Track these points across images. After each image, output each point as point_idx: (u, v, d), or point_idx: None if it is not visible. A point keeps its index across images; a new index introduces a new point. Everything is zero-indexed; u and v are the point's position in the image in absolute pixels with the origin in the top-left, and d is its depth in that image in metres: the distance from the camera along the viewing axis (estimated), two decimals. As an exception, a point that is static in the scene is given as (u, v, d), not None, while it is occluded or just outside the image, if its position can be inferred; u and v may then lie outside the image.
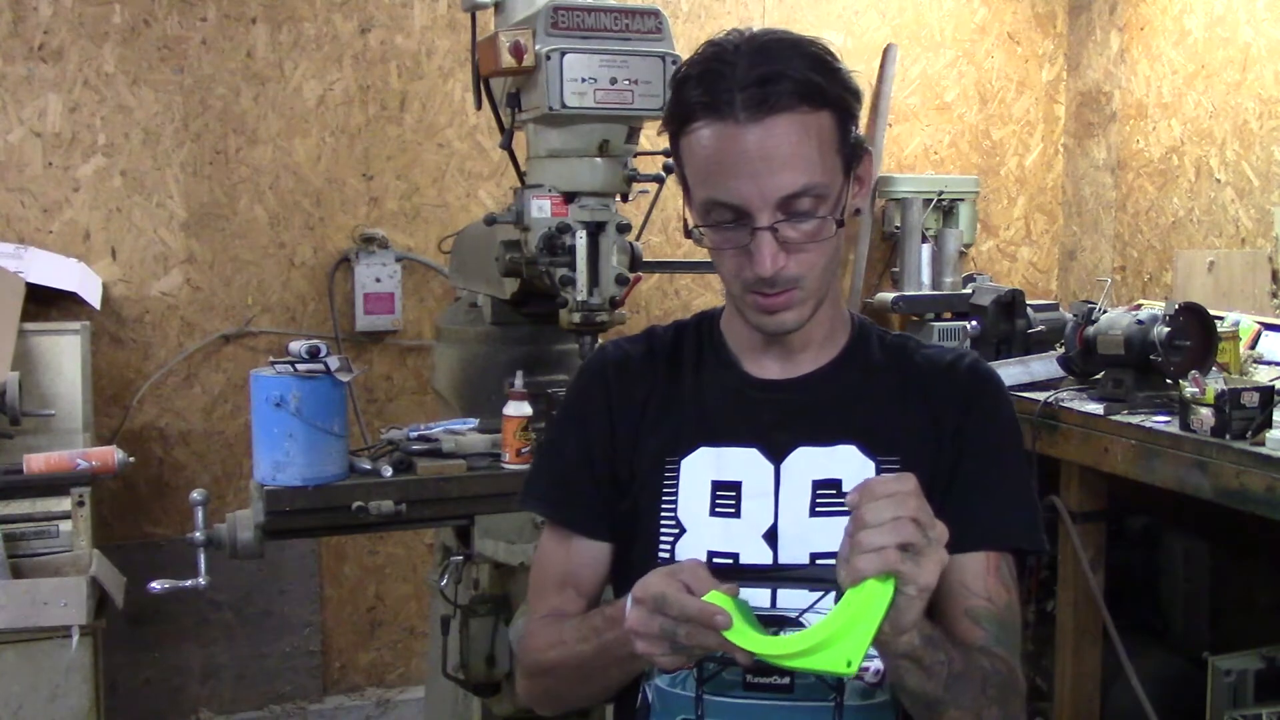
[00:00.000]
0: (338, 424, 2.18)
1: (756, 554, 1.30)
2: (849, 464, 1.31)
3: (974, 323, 3.24)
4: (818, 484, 1.31)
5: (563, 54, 2.18)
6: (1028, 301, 3.27)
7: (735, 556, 1.30)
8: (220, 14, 3.30)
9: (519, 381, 2.29)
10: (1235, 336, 2.81)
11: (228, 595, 3.36)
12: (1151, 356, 2.64)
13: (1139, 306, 3.00)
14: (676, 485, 1.34)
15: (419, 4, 3.48)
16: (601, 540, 1.39)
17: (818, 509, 1.30)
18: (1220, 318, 2.78)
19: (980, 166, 4.15)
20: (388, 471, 2.23)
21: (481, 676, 2.27)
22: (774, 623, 1.26)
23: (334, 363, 2.17)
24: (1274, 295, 3.24)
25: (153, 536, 3.31)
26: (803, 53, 1.23)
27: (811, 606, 1.26)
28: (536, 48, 2.19)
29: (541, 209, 2.26)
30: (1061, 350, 3.02)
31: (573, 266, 2.21)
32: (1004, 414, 1.38)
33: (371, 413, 3.48)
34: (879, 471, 1.31)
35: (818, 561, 1.28)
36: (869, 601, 1.04)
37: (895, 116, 4.01)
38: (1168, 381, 2.68)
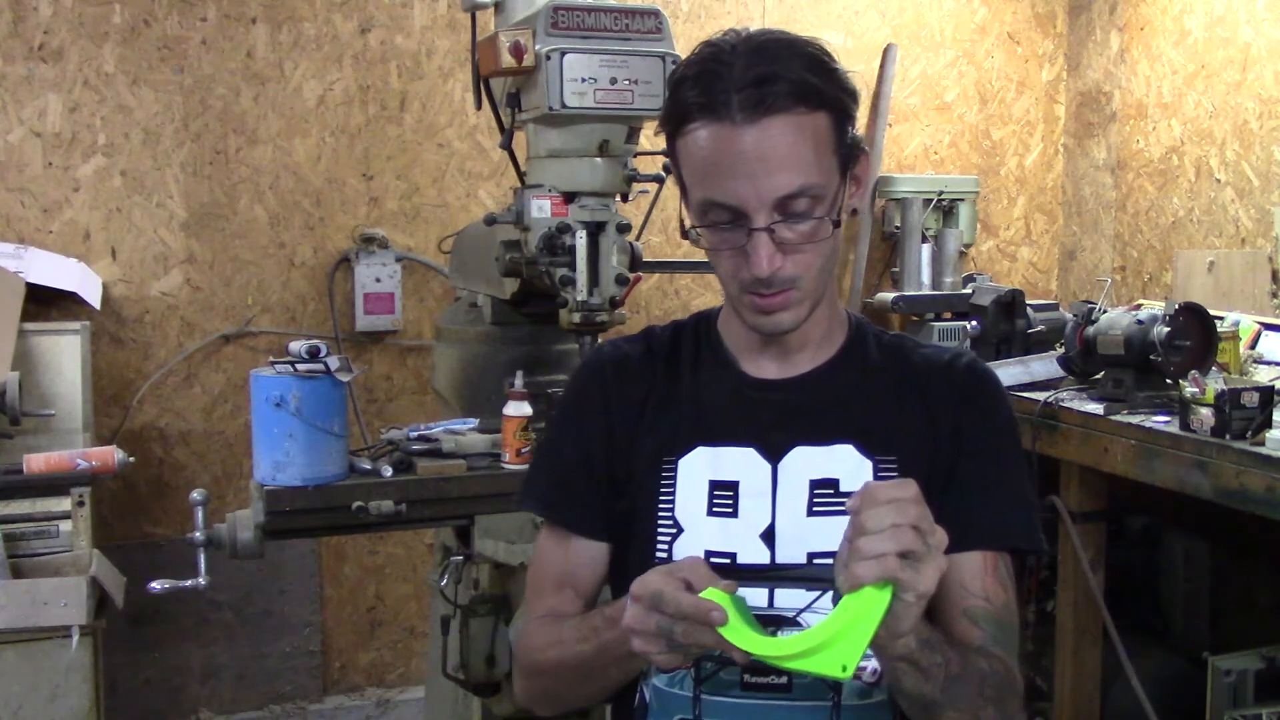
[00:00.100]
0: (338, 424, 2.18)
1: (754, 553, 1.30)
2: (846, 463, 1.31)
3: (974, 323, 3.24)
4: (815, 483, 1.31)
5: (563, 54, 2.18)
6: (1028, 301, 3.27)
7: (733, 556, 1.30)
8: (220, 14, 3.30)
9: (519, 381, 2.29)
10: (1235, 336, 2.81)
11: (228, 595, 3.36)
12: (1151, 356, 2.64)
13: (1139, 306, 3.00)
14: (674, 485, 1.34)
15: (419, 4, 3.48)
16: (599, 540, 1.39)
17: (815, 508, 1.30)
18: (1220, 318, 2.78)
19: (980, 166, 4.15)
20: (388, 471, 2.23)
21: (481, 676, 2.27)
22: (771, 622, 1.26)
23: (334, 363, 2.17)
24: (1274, 295, 3.24)
25: (153, 536, 3.31)
26: (799, 53, 1.23)
27: (809, 606, 1.26)
28: (536, 48, 2.19)
29: (541, 209, 2.26)
30: (1061, 350, 3.02)
31: (573, 266, 2.21)
32: (1002, 413, 1.38)
33: (371, 413, 3.48)
34: (876, 471, 1.31)
35: (815, 561, 1.28)
36: (867, 607, 1.04)
37: (895, 116, 4.01)
38: (1168, 381, 2.68)
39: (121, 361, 3.29)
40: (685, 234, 1.33)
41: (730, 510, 1.32)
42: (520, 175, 2.42)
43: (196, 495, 2.16)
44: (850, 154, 1.28)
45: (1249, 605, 3.11)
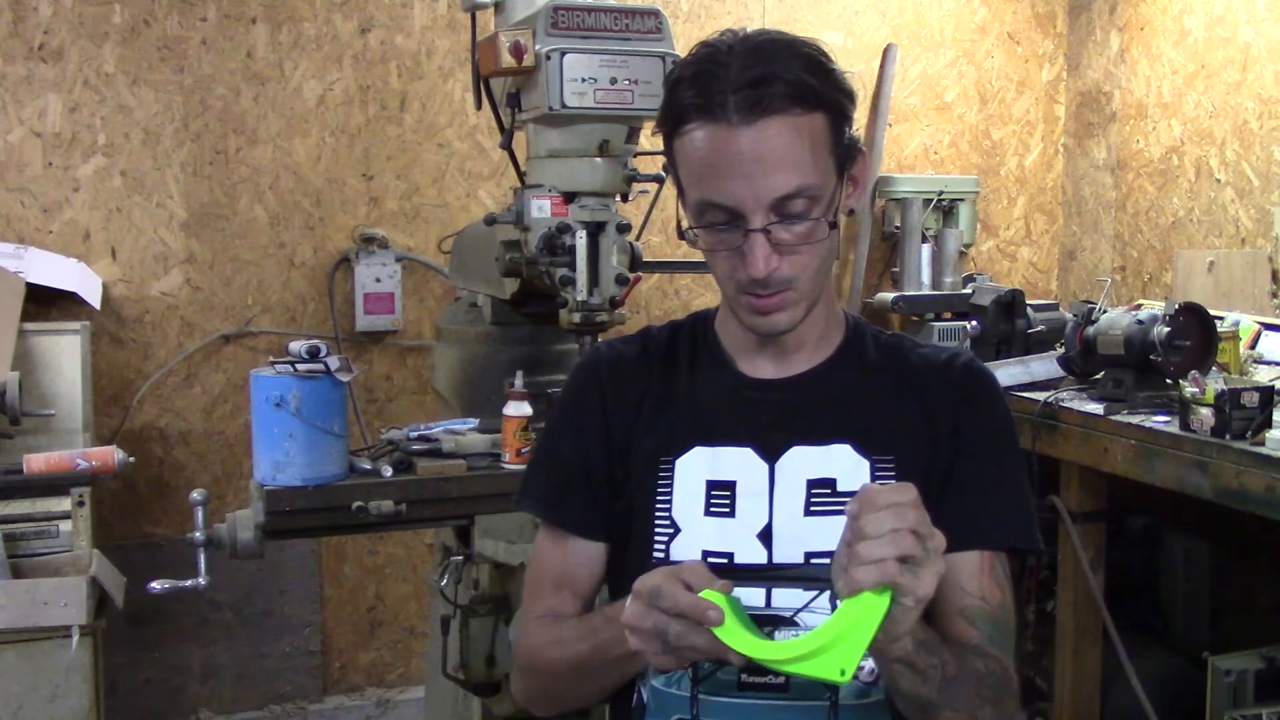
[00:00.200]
0: (338, 424, 2.18)
1: (751, 553, 1.30)
2: (844, 463, 1.31)
3: (974, 323, 3.24)
4: (812, 483, 1.31)
5: (563, 54, 2.18)
6: (1028, 301, 3.27)
7: (730, 556, 1.30)
8: (220, 14, 3.30)
9: (519, 381, 2.29)
10: (1235, 336, 2.81)
11: (228, 595, 3.36)
12: (1151, 356, 2.64)
13: (1139, 306, 3.00)
14: (671, 485, 1.34)
15: (419, 4, 3.48)
16: (597, 541, 1.39)
17: (812, 508, 1.30)
18: (1220, 318, 2.78)
19: (980, 166, 4.15)
20: (388, 471, 2.23)
21: (481, 676, 2.27)
22: (769, 622, 1.26)
23: (334, 363, 2.17)
24: (1274, 295, 3.24)
25: (153, 536, 3.31)
26: (796, 54, 1.23)
27: (806, 605, 1.26)
28: (536, 48, 2.19)
29: (541, 209, 2.26)
30: (1061, 350, 3.02)
31: (573, 266, 2.21)
32: (999, 413, 1.38)
33: (371, 413, 3.48)
34: (874, 470, 1.31)
35: (812, 560, 1.28)
36: (865, 611, 1.04)
37: (895, 116, 4.01)
38: (1168, 381, 2.68)
39: (121, 361, 3.29)
40: (682, 235, 1.33)
41: (727, 510, 1.32)
42: (520, 175, 2.42)
43: (196, 495, 2.16)
44: (847, 154, 1.28)
45: (1249, 605, 3.11)
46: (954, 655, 1.19)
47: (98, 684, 2.47)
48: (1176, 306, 2.66)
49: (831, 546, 1.09)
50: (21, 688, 2.39)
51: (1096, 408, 2.72)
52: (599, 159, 2.27)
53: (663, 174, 2.30)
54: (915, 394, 1.36)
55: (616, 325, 2.27)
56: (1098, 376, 2.89)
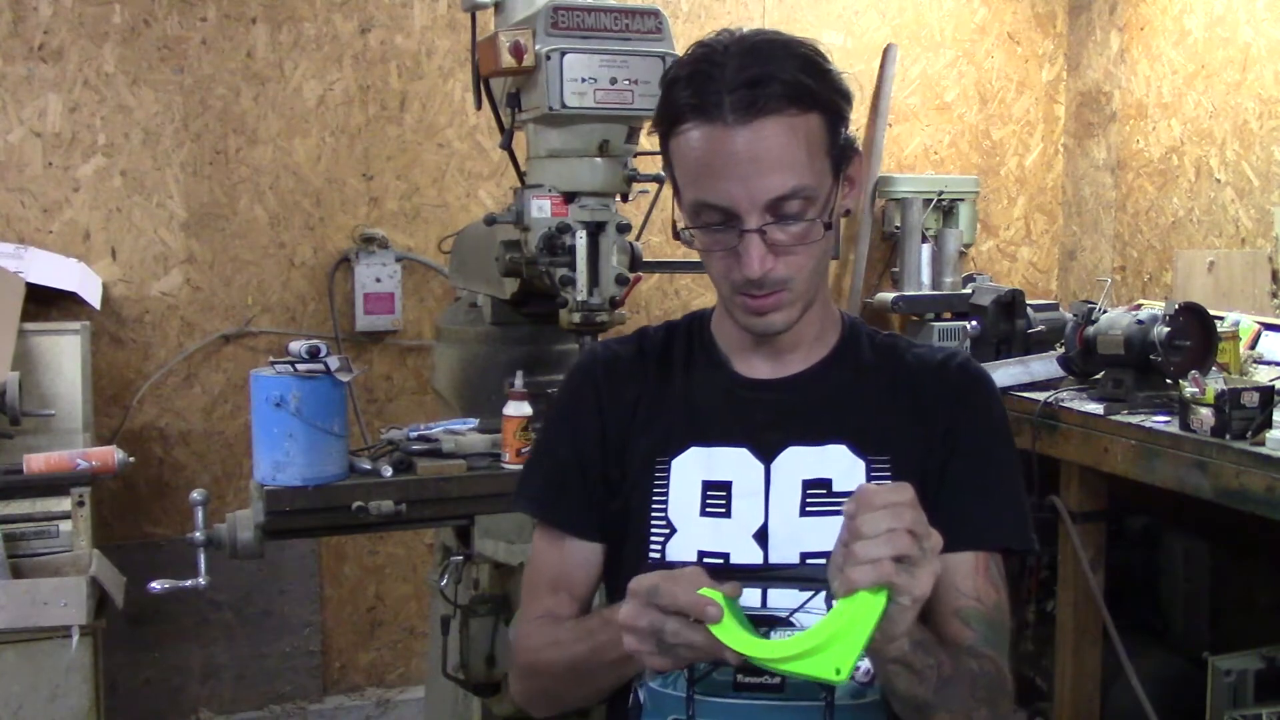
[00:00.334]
0: (338, 424, 2.18)
1: (747, 554, 1.30)
2: (839, 463, 1.31)
3: (974, 323, 3.24)
4: (808, 483, 1.31)
5: (563, 54, 2.18)
6: (1028, 301, 3.27)
7: (726, 556, 1.30)
8: (220, 14, 3.30)
9: (519, 381, 2.29)
10: (1235, 336, 2.81)
11: (228, 595, 3.36)
12: (1151, 356, 2.64)
13: (1139, 306, 3.00)
14: (667, 485, 1.34)
15: (419, 4, 3.48)
16: (593, 541, 1.39)
17: (808, 508, 1.30)
18: (1220, 318, 2.78)
19: (980, 166, 4.15)
20: (388, 471, 2.23)
21: (481, 676, 2.27)
22: (764, 623, 1.26)
23: (334, 363, 2.17)
24: (1274, 295, 3.24)
25: (153, 536, 3.31)
26: (792, 54, 1.23)
27: (802, 606, 1.26)
28: (536, 48, 2.19)
29: (541, 209, 2.26)
30: (1061, 350, 3.02)
31: (573, 266, 2.21)
32: (994, 413, 1.38)
33: (371, 413, 3.48)
34: (869, 471, 1.31)
35: (808, 561, 1.28)
36: (861, 611, 1.04)
37: (895, 116, 4.01)
38: (1168, 381, 2.68)
39: (121, 361, 3.29)
40: (677, 235, 1.33)
41: (723, 510, 1.32)
42: (520, 175, 2.42)
43: (196, 495, 2.16)
44: (843, 155, 1.28)
45: (1249, 605, 3.11)
46: (949, 656, 1.19)
47: (98, 684, 2.47)
48: (1176, 306, 2.66)
49: (827, 547, 1.09)
50: (21, 688, 2.39)
51: (1096, 408, 2.72)
52: (599, 159, 2.27)
53: (663, 174, 2.30)
54: (911, 394, 1.36)
55: (616, 325, 2.27)
56: (1098, 376, 2.89)
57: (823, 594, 1.12)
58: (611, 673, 1.30)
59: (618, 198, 2.33)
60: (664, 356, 1.42)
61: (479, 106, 2.46)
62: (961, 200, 3.92)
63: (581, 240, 2.21)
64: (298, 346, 2.18)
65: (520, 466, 2.19)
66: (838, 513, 1.08)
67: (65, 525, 2.57)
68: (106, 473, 2.60)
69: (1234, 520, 2.52)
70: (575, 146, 2.27)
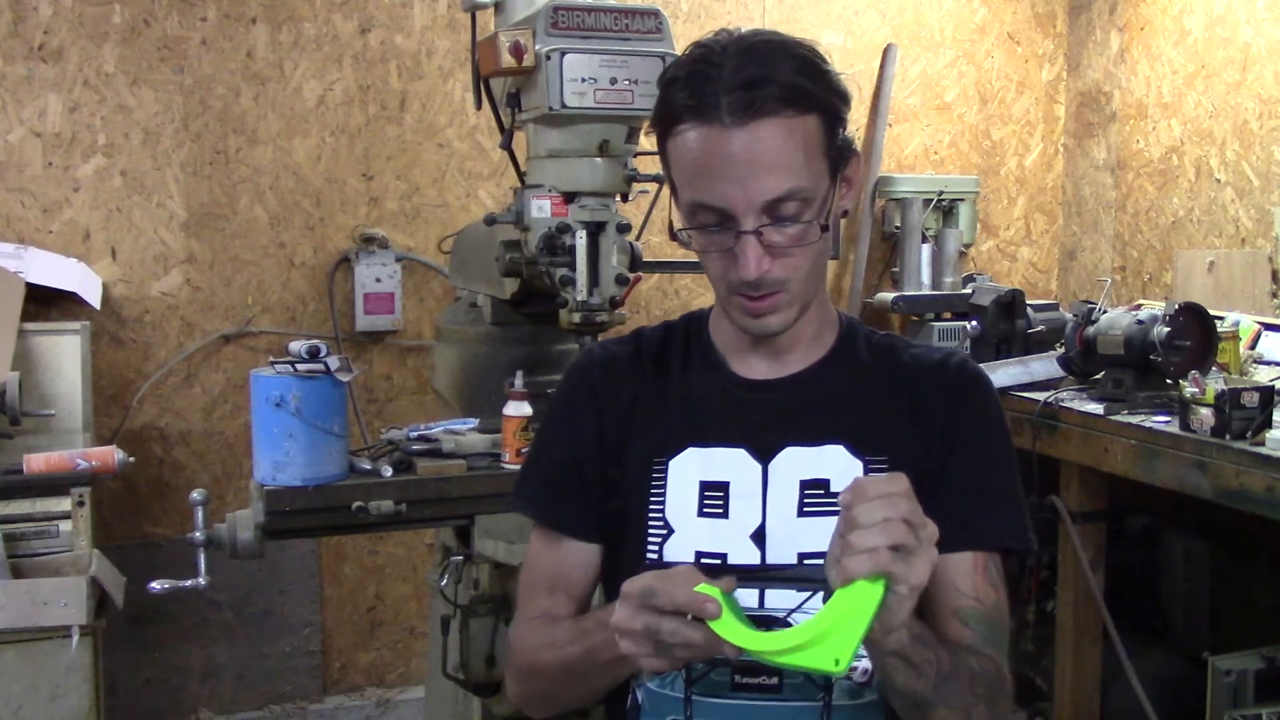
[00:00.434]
0: (338, 424, 2.18)
1: (744, 554, 1.30)
2: (837, 464, 1.31)
3: (974, 323, 3.24)
4: (805, 484, 1.31)
5: (563, 54, 2.18)
6: (1028, 301, 3.27)
7: (723, 557, 1.30)
8: (220, 14, 3.30)
9: (519, 381, 2.29)
10: (1235, 336, 2.81)
11: (228, 595, 3.36)
12: (1151, 356, 2.64)
13: (1139, 306, 3.00)
14: (664, 486, 1.34)
15: (419, 4, 3.48)
16: (590, 542, 1.39)
17: (805, 509, 1.30)
18: (1220, 318, 2.78)
19: (980, 166, 4.15)
20: (388, 471, 2.23)
21: (481, 676, 2.27)
22: (761, 623, 1.26)
23: (334, 363, 2.17)
24: (1274, 295, 3.24)
25: (153, 536, 3.31)
26: (790, 55, 1.23)
27: (799, 607, 1.26)
28: (536, 48, 2.19)
29: (541, 209, 2.26)
30: (1061, 350, 3.02)
31: (573, 266, 2.21)
32: (992, 413, 1.38)
33: (371, 413, 3.48)
34: (867, 471, 1.31)
35: (805, 561, 1.28)
36: (859, 601, 1.04)
37: (895, 116, 4.01)
38: (1168, 381, 2.68)
39: (121, 361, 3.29)
40: (674, 235, 1.33)
41: (721, 511, 1.32)
42: (520, 175, 2.42)
43: (196, 495, 2.16)
44: (841, 156, 1.27)
45: (1249, 605, 3.11)
46: (948, 652, 1.19)
47: (98, 684, 2.47)
48: (1176, 306, 2.66)
49: (825, 547, 1.09)
50: (21, 688, 2.39)
51: (1096, 408, 2.72)
52: (599, 159, 2.27)
53: (663, 174, 2.29)
54: (908, 394, 1.36)
55: (616, 325, 2.27)
56: (1098, 376, 2.89)
57: (820, 594, 1.13)
58: (607, 673, 1.30)
59: (618, 198, 2.33)
60: (661, 357, 1.42)
61: (479, 106, 2.46)
62: (961, 200, 3.92)
63: (581, 240, 2.21)
64: (298, 346, 2.18)
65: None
66: (836, 513, 1.08)
67: (65, 525, 2.57)
68: (106, 473, 2.60)
69: (1234, 520, 2.52)
70: (575, 146, 2.26)
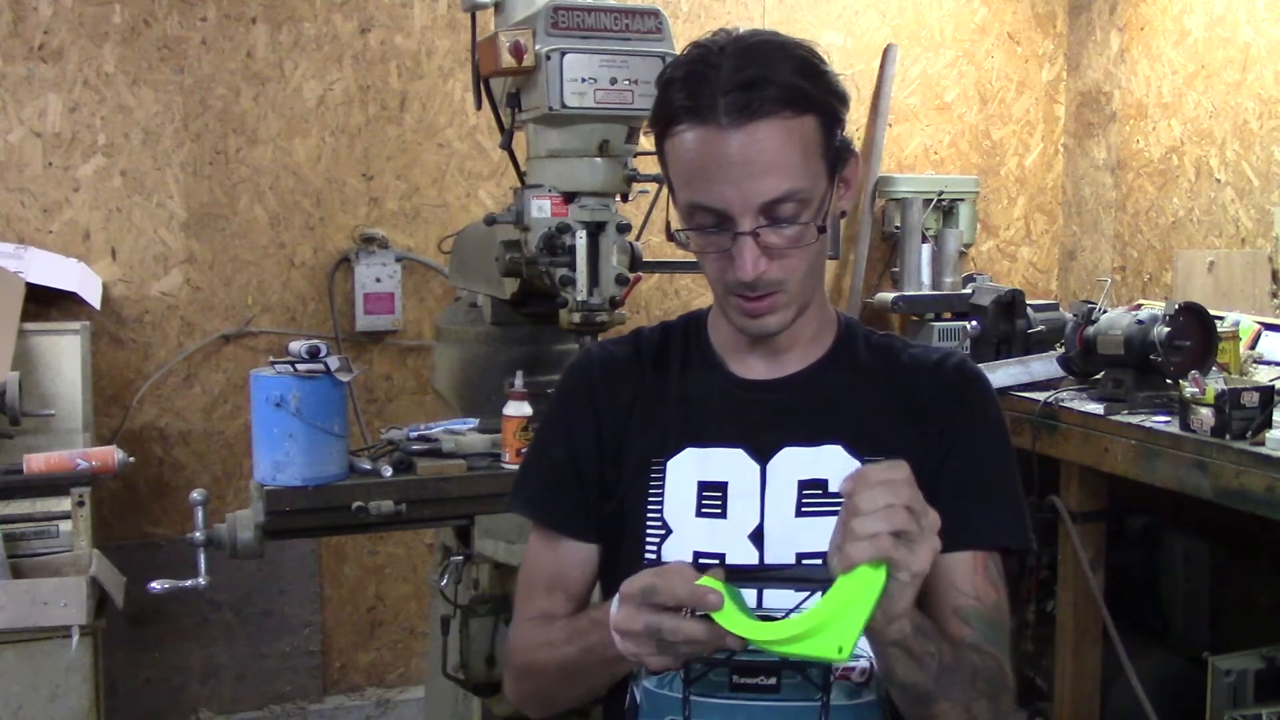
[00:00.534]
0: (338, 424, 2.18)
1: (742, 554, 1.30)
2: (835, 464, 1.31)
3: (974, 323, 3.24)
4: (804, 484, 1.31)
5: (563, 54, 2.18)
6: (1028, 301, 3.27)
7: (721, 557, 1.29)
8: (220, 14, 3.30)
9: (519, 381, 2.29)
10: (1235, 336, 2.81)
11: (228, 595, 3.36)
12: (1151, 356, 2.64)
13: (1139, 306, 3.00)
14: (663, 486, 1.34)
15: (419, 4, 3.48)
16: (589, 542, 1.39)
17: (804, 509, 1.30)
18: (1220, 318, 2.78)
19: (980, 166, 4.15)
20: (388, 471, 2.23)
21: (481, 676, 2.27)
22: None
23: (334, 363, 2.17)
24: (1274, 295, 3.24)
25: (153, 536, 3.31)
26: (788, 56, 1.23)
27: (798, 607, 1.26)
28: (536, 48, 2.19)
29: (541, 209, 2.26)
30: (1061, 350, 3.02)
31: (573, 266, 2.21)
32: (991, 413, 1.38)
33: (371, 413, 3.48)
34: None
35: (804, 561, 1.28)
36: (861, 588, 1.04)
37: (895, 116, 4.01)
38: (1168, 381, 2.68)
39: (121, 361, 3.29)
40: (671, 236, 1.33)
41: (719, 511, 1.32)
42: (520, 175, 2.42)
43: (196, 495, 2.16)
44: (839, 157, 1.27)
45: (1249, 605, 3.11)
46: (950, 647, 1.20)
47: (98, 684, 2.47)
48: (1176, 306, 2.66)
49: (823, 547, 1.10)
50: (21, 688, 2.39)
51: (1096, 408, 2.72)
52: (599, 159, 2.27)
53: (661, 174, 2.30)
54: (907, 394, 1.36)
55: (616, 325, 2.27)
56: (1098, 376, 2.89)
57: (819, 594, 1.13)
58: (604, 672, 1.30)
59: (618, 198, 2.33)
60: (660, 357, 1.42)
61: (479, 106, 2.46)
62: (961, 200, 3.92)
63: (581, 240, 2.21)
64: (298, 346, 2.18)
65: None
66: (834, 513, 1.08)
67: (65, 525, 2.57)
68: (106, 473, 2.60)
69: (1234, 520, 2.52)
70: (575, 146, 2.27)
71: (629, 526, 1.35)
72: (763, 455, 1.32)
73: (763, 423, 1.34)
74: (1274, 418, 2.35)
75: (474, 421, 2.41)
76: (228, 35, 3.31)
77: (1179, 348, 2.62)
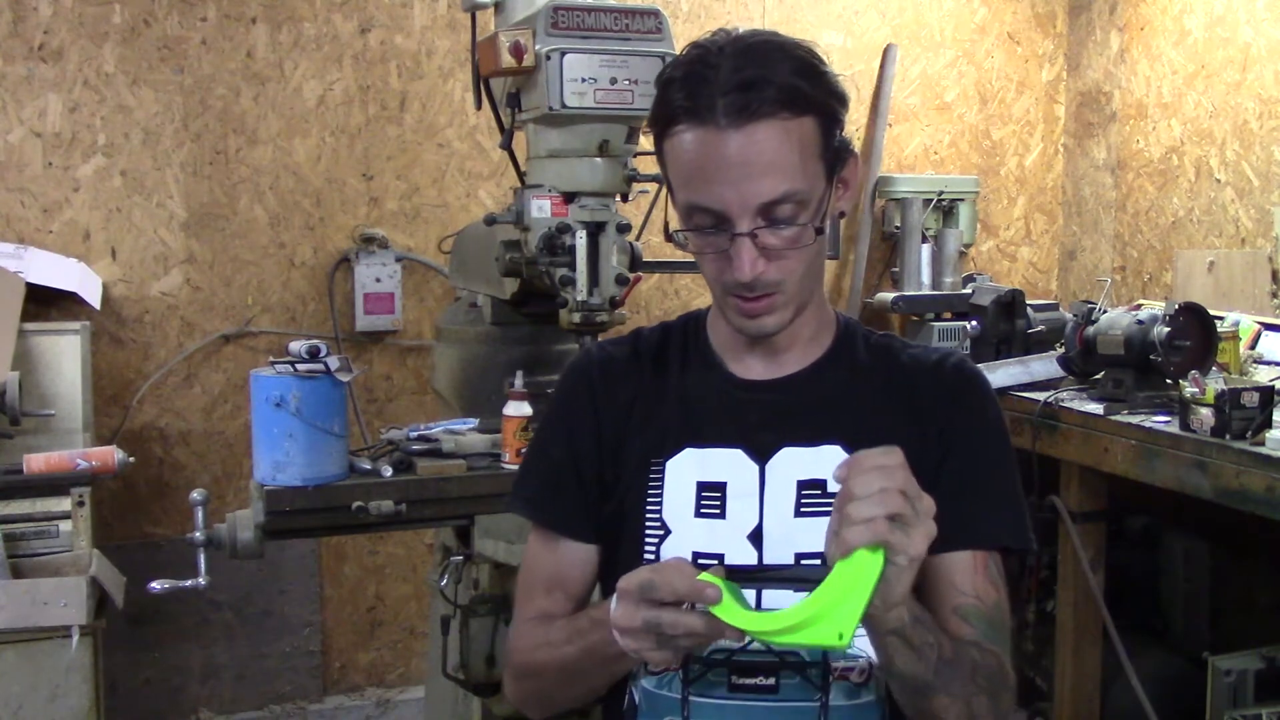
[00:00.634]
0: (338, 424, 2.18)
1: (741, 554, 1.30)
2: (834, 464, 1.31)
3: (974, 323, 3.24)
4: (802, 484, 1.31)
5: (563, 54, 2.18)
6: (1028, 301, 3.27)
7: (720, 557, 1.29)
8: (220, 14, 3.30)
9: (519, 381, 2.29)
10: (1235, 336, 2.81)
11: (228, 595, 3.36)
12: (1151, 356, 2.64)
13: (1139, 306, 3.00)
14: (662, 486, 1.34)
15: (419, 4, 3.48)
16: (588, 542, 1.39)
17: (803, 509, 1.30)
18: (1220, 318, 2.78)
19: (980, 166, 4.15)
20: (388, 471, 2.23)
21: (481, 676, 2.27)
22: None
23: (334, 363, 2.17)
24: (1274, 295, 3.24)
25: (153, 536, 3.31)
26: (787, 56, 1.22)
27: None
28: (536, 48, 2.19)
29: (541, 209, 2.26)
30: (1061, 350, 3.02)
31: (573, 266, 2.21)
32: (990, 413, 1.38)
33: (371, 413, 3.48)
34: None
35: (803, 562, 1.28)
36: (859, 573, 1.04)
37: (895, 116, 4.01)
38: (1168, 381, 2.68)
39: (121, 361, 3.29)
40: (669, 237, 1.33)
41: (718, 511, 1.32)
42: (520, 175, 2.42)
43: (196, 495, 2.16)
44: (837, 158, 1.27)
45: (1249, 605, 3.11)
46: (950, 641, 1.20)
47: (98, 684, 2.47)
48: (1176, 306, 2.66)
49: (822, 548, 1.10)
50: (21, 688, 2.40)
51: (1096, 408, 2.72)
52: (599, 159, 2.27)
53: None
54: (906, 394, 1.36)
55: (616, 325, 2.27)
56: (1098, 376, 2.89)
57: None
58: (603, 672, 1.30)
59: (618, 198, 2.33)
60: (659, 357, 1.42)
61: (479, 106, 2.46)
62: (961, 200, 3.92)
63: (581, 240, 2.21)
64: (298, 346, 2.18)
65: (520, 467, 2.20)
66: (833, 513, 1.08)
67: (65, 525, 2.57)
68: (106, 473, 2.60)
69: (1234, 520, 2.52)
70: (575, 146, 2.27)
71: (628, 527, 1.35)
72: (762, 455, 1.32)
73: (761, 423, 1.34)
74: (1274, 418, 2.35)
75: (474, 421, 2.41)
76: (228, 35, 3.31)
77: (1179, 348, 2.62)
